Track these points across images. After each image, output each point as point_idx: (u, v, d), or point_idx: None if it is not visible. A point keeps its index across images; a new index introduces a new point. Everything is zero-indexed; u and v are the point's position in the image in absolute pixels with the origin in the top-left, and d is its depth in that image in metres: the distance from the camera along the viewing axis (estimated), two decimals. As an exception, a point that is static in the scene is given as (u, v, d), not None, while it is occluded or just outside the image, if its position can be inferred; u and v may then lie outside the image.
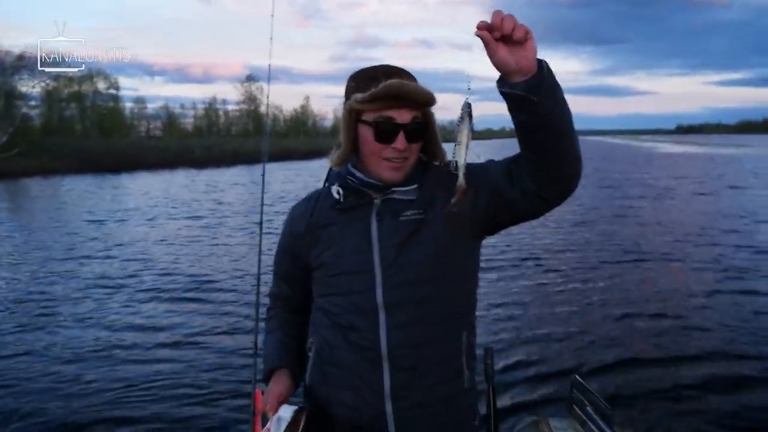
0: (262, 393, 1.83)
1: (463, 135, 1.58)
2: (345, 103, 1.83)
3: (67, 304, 8.57)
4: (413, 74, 1.89)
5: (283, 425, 1.70)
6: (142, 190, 27.62)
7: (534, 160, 1.62)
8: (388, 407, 1.78)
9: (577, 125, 1.60)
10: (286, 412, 1.77)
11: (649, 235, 13.93)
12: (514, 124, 1.56)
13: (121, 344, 6.89)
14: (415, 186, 1.86)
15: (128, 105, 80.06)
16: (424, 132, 1.84)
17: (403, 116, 1.76)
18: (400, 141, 1.76)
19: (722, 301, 8.39)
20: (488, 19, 1.38)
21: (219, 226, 15.88)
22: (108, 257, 11.94)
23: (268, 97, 3.07)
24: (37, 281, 9.98)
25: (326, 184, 1.96)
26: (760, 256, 11.15)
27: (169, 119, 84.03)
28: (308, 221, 1.89)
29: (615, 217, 17.08)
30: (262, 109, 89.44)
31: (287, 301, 2.08)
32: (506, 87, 1.47)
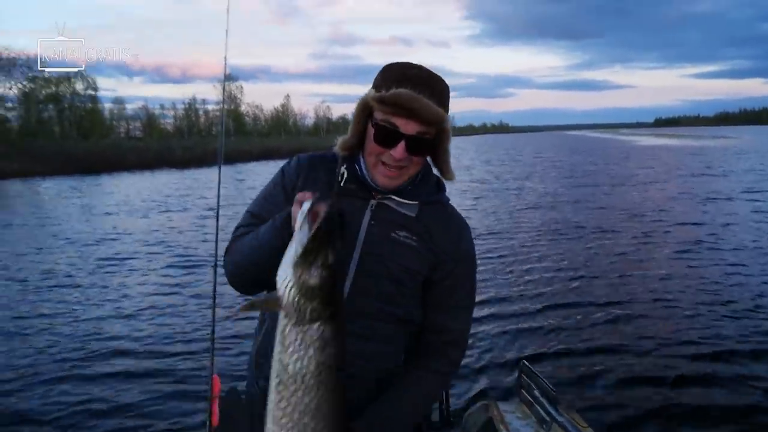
0: (220, 379, 1.81)
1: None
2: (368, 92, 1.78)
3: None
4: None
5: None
6: (121, 191, 27.38)
7: None
8: None
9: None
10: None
11: (603, 222, 14.40)
12: None
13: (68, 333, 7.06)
14: (416, 203, 1.83)
15: (107, 106, 79.33)
16: (429, 148, 1.78)
17: (409, 127, 1.70)
18: (400, 150, 1.71)
19: (672, 288, 8.65)
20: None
21: (184, 219, 15.81)
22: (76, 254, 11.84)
23: (224, 97, 2.99)
24: None
25: (334, 157, 1.86)
26: (707, 245, 11.43)
27: (149, 120, 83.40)
28: (303, 177, 1.84)
29: (568, 203, 17.90)
30: (243, 108, 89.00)
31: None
32: None
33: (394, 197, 1.80)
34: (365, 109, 1.76)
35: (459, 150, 61.89)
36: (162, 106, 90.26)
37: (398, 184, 1.79)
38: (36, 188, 29.94)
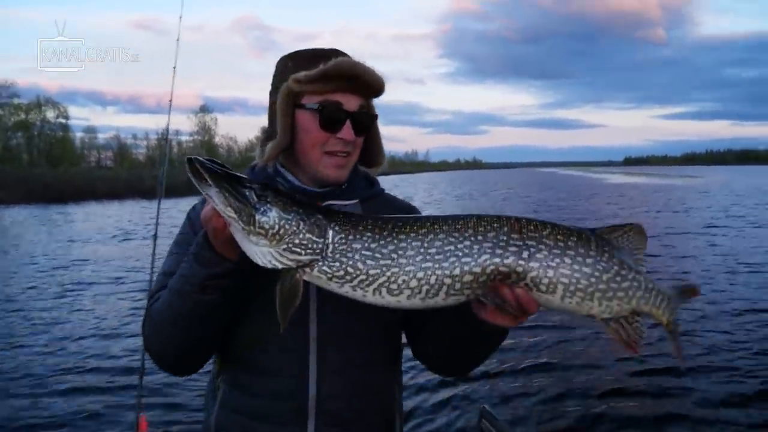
0: (146, 420, 1.71)
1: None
2: (278, 86, 1.59)
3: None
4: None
5: None
6: (87, 219, 26.98)
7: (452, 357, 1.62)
8: None
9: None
10: None
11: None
12: (463, 337, 1.52)
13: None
14: (356, 201, 1.67)
15: (78, 135, 78.53)
16: (370, 125, 1.65)
17: (351, 103, 1.56)
18: (347, 131, 1.55)
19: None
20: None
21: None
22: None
23: (167, 129, 3.07)
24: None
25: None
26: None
27: (121, 149, 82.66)
28: None
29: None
30: (217, 139, 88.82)
31: None
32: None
33: (334, 202, 1.63)
34: (290, 98, 1.57)
35: (431, 185, 62.15)
36: (135, 136, 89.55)
37: (347, 173, 1.64)
38: (-1, 215, 29.40)
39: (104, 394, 6.16)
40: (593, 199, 38.02)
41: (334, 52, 1.58)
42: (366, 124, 1.60)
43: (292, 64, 1.59)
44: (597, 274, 1.34)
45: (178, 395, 6.07)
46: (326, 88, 1.53)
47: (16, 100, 61.97)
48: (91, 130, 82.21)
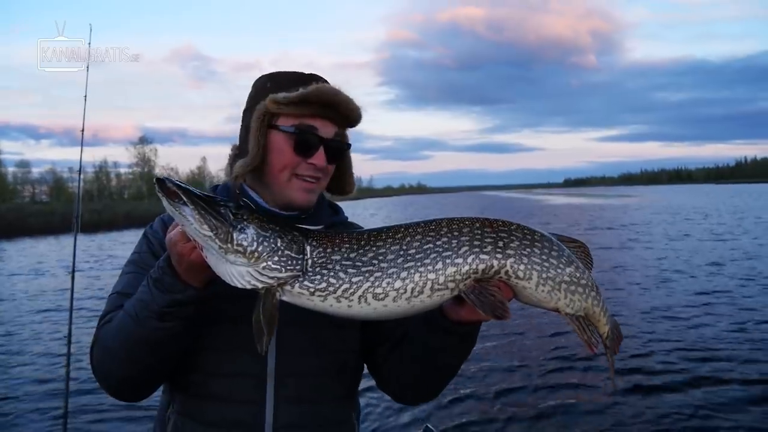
0: None
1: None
2: (253, 105, 1.58)
3: None
4: None
5: None
6: (17, 256, 26.01)
7: (423, 379, 1.63)
8: None
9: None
10: None
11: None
12: (434, 348, 1.54)
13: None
14: (321, 227, 1.56)
15: (11, 170, 75.91)
16: (343, 154, 1.65)
17: (326, 129, 1.56)
18: (320, 157, 1.55)
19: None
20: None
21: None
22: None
23: (80, 168, 3.02)
24: None
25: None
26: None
27: (56, 183, 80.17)
28: None
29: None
30: (157, 170, 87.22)
31: None
32: (458, 323, 1.47)
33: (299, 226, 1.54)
34: (266, 118, 1.55)
35: (371, 210, 62.28)
36: (71, 169, 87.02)
37: (315, 198, 1.64)
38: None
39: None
40: (528, 219, 38.81)
41: (315, 77, 1.58)
42: (340, 152, 1.61)
43: (271, 84, 1.58)
44: (561, 266, 1.42)
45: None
46: (304, 112, 1.52)
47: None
48: (24, 164, 79.72)
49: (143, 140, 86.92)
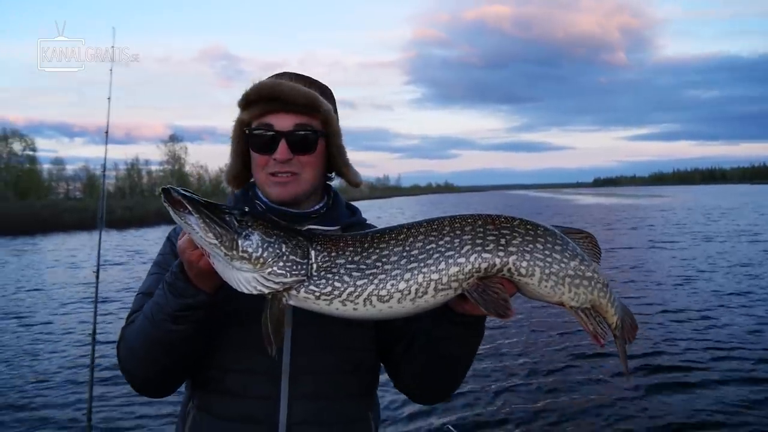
0: None
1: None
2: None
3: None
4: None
5: None
6: (53, 250, 26.55)
7: (430, 374, 1.64)
8: None
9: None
10: None
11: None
12: (438, 337, 1.55)
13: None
14: (338, 228, 1.66)
15: (46, 166, 77.43)
16: (314, 142, 1.61)
17: (283, 122, 1.56)
18: (281, 150, 1.55)
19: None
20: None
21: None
22: None
23: (104, 168, 2.98)
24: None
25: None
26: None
27: (89, 180, 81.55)
28: None
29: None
30: (187, 168, 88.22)
31: None
32: (462, 315, 1.48)
33: (315, 227, 1.61)
34: (241, 128, 1.62)
35: (398, 210, 62.21)
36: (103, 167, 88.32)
37: (296, 192, 1.62)
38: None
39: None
40: (553, 219, 38.43)
41: (277, 75, 1.61)
42: (304, 141, 1.58)
43: (241, 98, 1.63)
44: (565, 260, 1.42)
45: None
46: (258, 112, 1.57)
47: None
48: (58, 162, 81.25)
49: (173, 138, 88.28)
